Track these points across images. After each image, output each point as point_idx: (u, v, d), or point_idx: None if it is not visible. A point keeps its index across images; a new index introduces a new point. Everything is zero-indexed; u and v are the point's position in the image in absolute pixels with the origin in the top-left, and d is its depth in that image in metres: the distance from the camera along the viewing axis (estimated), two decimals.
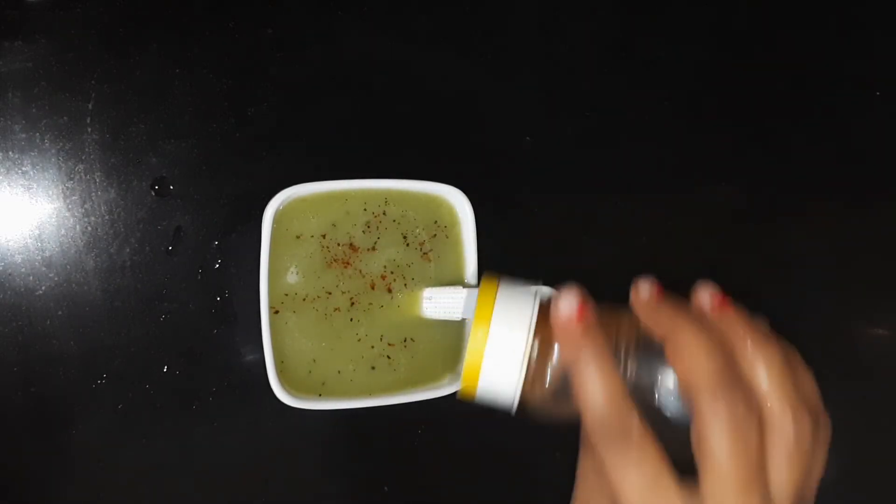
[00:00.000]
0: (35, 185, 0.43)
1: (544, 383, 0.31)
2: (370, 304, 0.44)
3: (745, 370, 0.29)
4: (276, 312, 0.42)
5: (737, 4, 0.53)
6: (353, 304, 0.44)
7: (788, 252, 0.54)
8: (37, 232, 0.43)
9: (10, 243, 0.43)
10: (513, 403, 0.32)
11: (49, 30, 0.42)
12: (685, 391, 0.28)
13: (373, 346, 0.44)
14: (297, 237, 0.43)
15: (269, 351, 0.41)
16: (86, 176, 0.43)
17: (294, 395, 0.42)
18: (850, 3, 0.55)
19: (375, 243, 0.44)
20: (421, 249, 0.45)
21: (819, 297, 0.54)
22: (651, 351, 0.30)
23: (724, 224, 0.53)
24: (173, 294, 0.44)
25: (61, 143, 0.43)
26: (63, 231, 0.43)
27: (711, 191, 0.52)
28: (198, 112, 0.44)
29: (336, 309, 0.43)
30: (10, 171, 0.42)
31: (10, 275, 0.43)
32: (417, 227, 0.45)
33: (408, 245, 0.45)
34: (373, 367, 0.44)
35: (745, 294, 0.53)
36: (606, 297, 0.50)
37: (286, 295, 0.43)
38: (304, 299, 0.43)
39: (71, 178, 0.43)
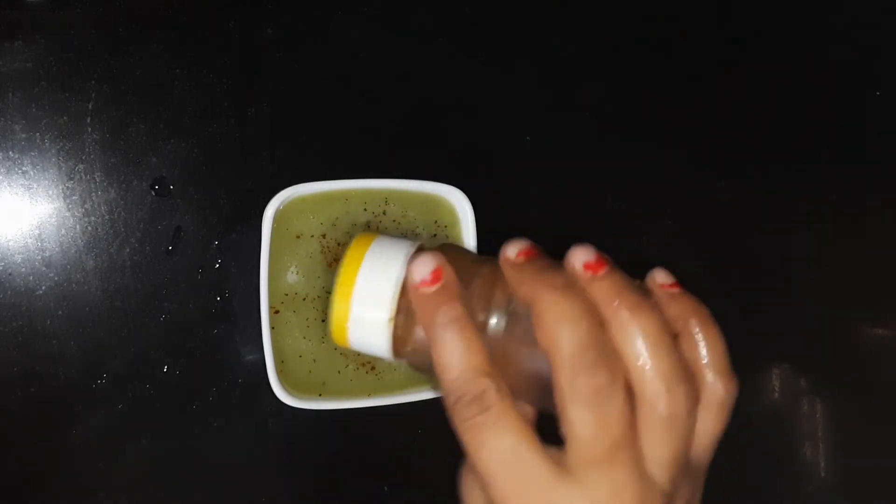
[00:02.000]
0: (35, 185, 0.43)
1: (416, 342, 0.30)
2: None
3: (616, 339, 0.26)
4: (277, 312, 0.42)
5: (737, 4, 0.53)
6: None
7: (788, 251, 0.54)
8: (37, 232, 0.43)
9: (10, 243, 0.43)
10: (387, 354, 0.30)
11: (49, 30, 0.42)
12: (549, 361, 0.26)
13: None
14: (298, 237, 0.43)
15: (269, 351, 0.41)
16: (86, 176, 0.43)
17: (294, 395, 0.42)
18: (850, 3, 0.55)
19: None
20: None
21: (819, 296, 0.54)
22: (525, 310, 0.28)
23: (724, 223, 0.53)
24: (173, 294, 0.44)
25: (61, 143, 0.43)
26: (63, 231, 0.43)
27: (711, 190, 0.52)
28: (198, 112, 0.44)
29: None
30: (10, 171, 0.42)
31: (10, 275, 0.43)
32: (418, 227, 0.45)
33: None
34: (373, 367, 0.44)
35: (744, 293, 0.54)
36: None
37: (286, 295, 0.43)
38: (304, 299, 0.43)
39: (71, 178, 0.43)
